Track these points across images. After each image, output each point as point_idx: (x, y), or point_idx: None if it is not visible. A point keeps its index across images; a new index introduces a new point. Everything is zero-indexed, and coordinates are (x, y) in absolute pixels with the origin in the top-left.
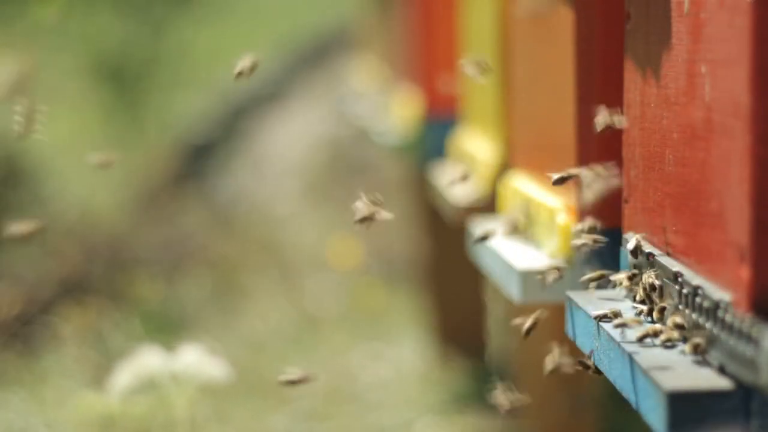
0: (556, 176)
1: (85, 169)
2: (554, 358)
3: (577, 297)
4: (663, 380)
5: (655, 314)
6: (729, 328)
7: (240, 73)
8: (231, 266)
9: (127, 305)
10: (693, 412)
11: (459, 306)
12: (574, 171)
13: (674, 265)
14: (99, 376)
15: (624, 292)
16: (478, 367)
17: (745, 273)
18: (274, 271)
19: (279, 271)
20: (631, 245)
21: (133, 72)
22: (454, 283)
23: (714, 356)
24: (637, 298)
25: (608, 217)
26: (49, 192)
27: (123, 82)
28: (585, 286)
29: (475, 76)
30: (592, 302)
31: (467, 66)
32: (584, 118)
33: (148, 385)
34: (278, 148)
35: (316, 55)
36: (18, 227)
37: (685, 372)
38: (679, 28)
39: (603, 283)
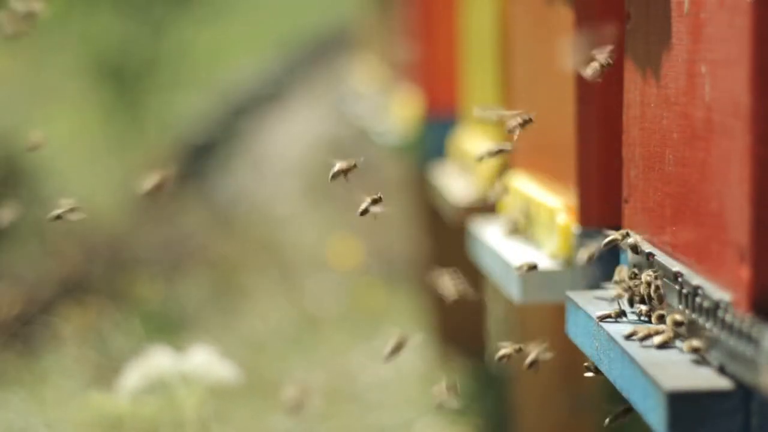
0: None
1: (85, 169)
2: (533, 353)
3: (577, 297)
4: (663, 380)
5: (654, 318)
6: (729, 328)
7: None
8: (231, 266)
9: (127, 305)
10: (693, 412)
11: (459, 306)
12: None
13: (674, 265)
14: (99, 376)
15: (624, 292)
16: (478, 367)
17: (745, 273)
18: (274, 271)
19: (279, 271)
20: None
21: (133, 72)
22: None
23: (714, 356)
24: (637, 298)
25: (608, 217)
26: (49, 192)
27: (123, 82)
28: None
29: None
30: (592, 302)
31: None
32: (584, 118)
33: (158, 386)
34: (278, 148)
35: (316, 55)
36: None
37: (685, 372)
38: (679, 28)
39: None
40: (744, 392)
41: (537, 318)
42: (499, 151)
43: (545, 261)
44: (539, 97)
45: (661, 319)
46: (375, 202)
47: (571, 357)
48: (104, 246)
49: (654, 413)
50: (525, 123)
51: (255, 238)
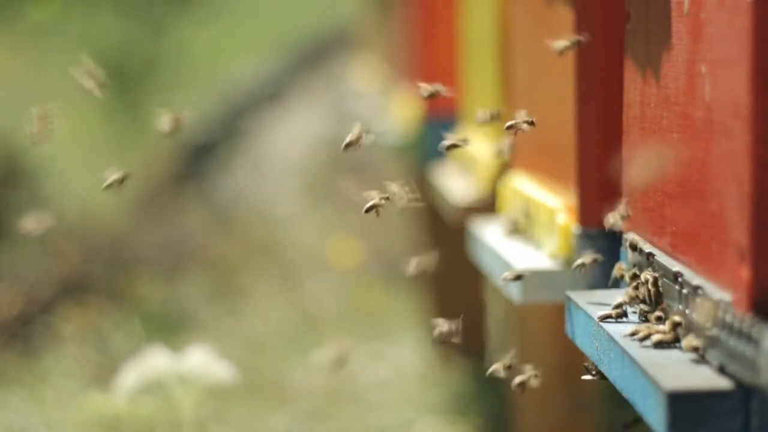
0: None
1: (85, 169)
2: (523, 376)
3: (577, 297)
4: (663, 380)
5: (653, 318)
6: (729, 328)
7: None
8: (231, 266)
9: (127, 305)
10: (693, 412)
11: (459, 306)
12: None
13: (674, 265)
14: (99, 376)
15: (623, 292)
16: (478, 367)
17: (745, 273)
18: (274, 271)
19: (279, 271)
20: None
21: (133, 72)
22: (454, 283)
23: (714, 356)
24: (638, 298)
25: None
26: (49, 192)
27: (123, 82)
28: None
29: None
30: (592, 302)
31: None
32: (584, 118)
33: (155, 386)
34: (278, 148)
35: (316, 55)
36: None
37: (685, 372)
38: (679, 28)
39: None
40: (744, 392)
41: (537, 318)
42: (497, 116)
43: (545, 261)
44: (539, 97)
45: (660, 319)
46: (383, 200)
47: (571, 357)
48: (104, 246)
49: (654, 413)
50: (528, 124)
51: (255, 238)
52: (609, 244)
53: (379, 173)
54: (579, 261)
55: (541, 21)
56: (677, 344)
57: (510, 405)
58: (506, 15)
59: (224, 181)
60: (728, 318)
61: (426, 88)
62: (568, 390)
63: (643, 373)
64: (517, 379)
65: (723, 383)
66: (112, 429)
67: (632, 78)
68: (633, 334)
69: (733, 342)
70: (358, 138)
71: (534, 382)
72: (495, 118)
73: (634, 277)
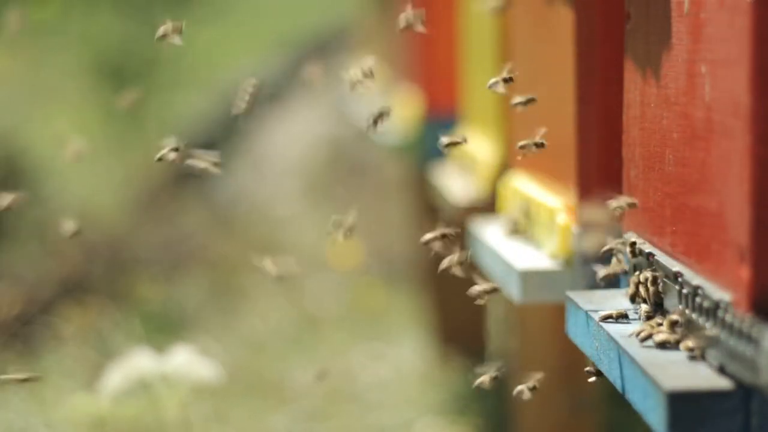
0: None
1: (85, 169)
2: (523, 385)
3: (577, 297)
4: (663, 380)
5: (654, 319)
6: (729, 328)
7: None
8: (231, 266)
9: (127, 305)
10: (693, 412)
11: (459, 306)
12: None
13: (674, 265)
14: (99, 376)
15: (624, 292)
16: (478, 367)
17: (745, 273)
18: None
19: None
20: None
21: (133, 72)
22: (454, 283)
23: (714, 356)
24: (638, 298)
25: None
26: (49, 192)
27: (123, 82)
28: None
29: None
30: (592, 302)
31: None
32: (584, 118)
33: (139, 387)
34: (278, 148)
35: (316, 56)
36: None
37: (685, 372)
38: (679, 28)
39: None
40: (744, 392)
41: (537, 318)
42: (529, 101)
43: (545, 261)
44: (539, 97)
45: (662, 320)
46: (444, 236)
47: (571, 357)
48: (104, 246)
49: (654, 413)
50: (538, 146)
51: (255, 239)
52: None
53: (379, 173)
54: (615, 204)
55: (541, 21)
56: (675, 344)
57: (510, 405)
58: (506, 15)
59: (224, 181)
60: (728, 318)
61: (446, 139)
62: (568, 390)
63: (643, 373)
64: (519, 388)
65: (723, 383)
66: (97, 430)
67: (632, 78)
68: (637, 334)
69: (733, 342)
70: (381, 116)
71: (528, 395)
72: (507, 81)
73: (634, 276)
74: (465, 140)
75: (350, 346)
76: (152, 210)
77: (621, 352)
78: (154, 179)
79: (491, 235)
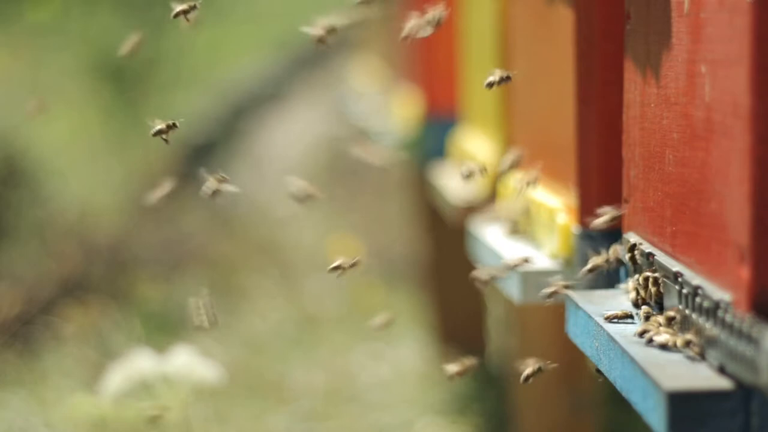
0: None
1: (85, 169)
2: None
3: (577, 297)
4: (663, 380)
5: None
6: (729, 328)
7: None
8: (231, 266)
9: (128, 305)
10: (693, 412)
11: (459, 306)
12: None
13: (674, 265)
14: (99, 376)
15: (624, 291)
16: (478, 367)
17: (745, 273)
18: (274, 271)
19: (279, 271)
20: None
21: (133, 72)
22: (454, 283)
23: (714, 356)
24: (639, 300)
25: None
26: (49, 192)
27: (123, 82)
28: (582, 278)
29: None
30: (592, 302)
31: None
32: (584, 118)
33: (140, 388)
34: (278, 148)
35: (316, 55)
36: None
37: (685, 372)
38: (679, 28)
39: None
40: (744, 392)
41: (537, 318)
42: (505, 79)
43: (545, 261)
44: (539, 97)
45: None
46: (525, 261)
47: (571, 357)
48: (104, 246)
49: (654, 413)
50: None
51: (255, 239)
52: (609, 244)
53: (379, 173)
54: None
55: (541, 21)
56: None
57: (510, 405)
58: (506, 15)
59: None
60: (728, 318)
61: (465, 169)
62: (568, 390)
63: (643, 373)
64: (525, 372)
65: (723, 383)
66: (98, 430)
67: (632, 78)
68: (640, 334)
69: (733, 342)
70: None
71: (545, 367)
72: (505, 80)
73: (633, 281)
74: (485, 169)
75: (350, 346)
76: (152, 210)
77: (621, 352)
78: (154, 179)
79: (491, 235)
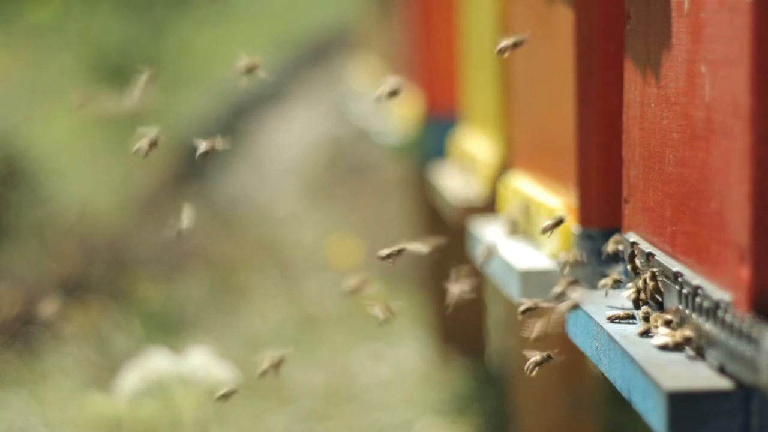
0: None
1: (85, 169)
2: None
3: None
4: (663, 380)
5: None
6: (729, 328)
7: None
8: (231, 266)
9: (128, 305)
10: (693, 412)
11: (459, 306)
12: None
13: (674, 265)
14: (99, 376)
15: (623, 291)
16: (478, 367)
17: (745, 273)
18: (274, 271)
19: (279, 271)
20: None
21: (133, 72)
22: None
23: (714, 356)
24: (640, 301)
25: (608, 217)
26: (49, 192)
27: (123, 82)
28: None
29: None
30: (592, 302)
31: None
32: (584, 118)
33: (155, 388)
34: (278, 148)
35: (316, 55)
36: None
37: (685, 372)
38: (679, 28)
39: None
40: (744, 392)
41: (537, 318)
42: (519, 43)
43: (545, 261)
44: (539, 97)
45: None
46: (573, 283)
47: (571, 357)
48: (104, 246)
49: (654, 413)
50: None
51: (255, 238)
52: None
53: (379, 173)
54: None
55: (541, 21)
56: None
57: (510, 405)
58: (506, 15)
59: (224, 181)
60: (728, 318)
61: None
62: (568, 390)
63: (643, 373)
64: (533, 359)
65: (723, 383)
66: (113, 430)
67: (632, 78)
68: (641, 334)
69: (733, 342)
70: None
71: (556, 357)
72: (518, 45)
73: (635, 275)
74: (562, 220)
75: (350, 346)
76: (152, 210)
77: (621, 352)
78: (154, 179)
79: (491, 235)
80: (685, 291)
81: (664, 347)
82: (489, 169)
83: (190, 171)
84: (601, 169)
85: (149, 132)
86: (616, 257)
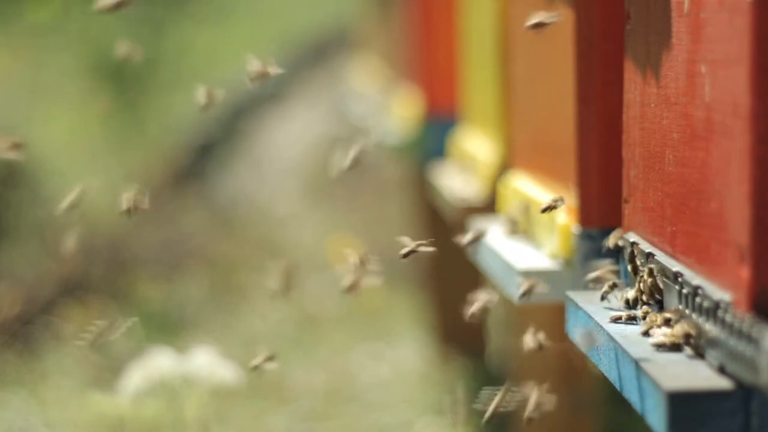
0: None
1: (85, 169)
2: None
3: (577, 297)
4: (663, 380)
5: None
6: (729, 328)
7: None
8: (231, 266)
9: (128, 305)
10: (693, 412)
11: (459, 306)
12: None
13: (674, 265)
14: (99, 376)
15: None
16: (478, 367)
17: (745, 273)
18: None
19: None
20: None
21: (133, 72)
22: (454, 283)
23: (714, 356)
24: (640, 301)
25: (608, 217)
26: (49, 192)
27: (123, 82)
28: (587, 286)
29: None
30: (592, 302)
31: None
32: (584, 118)
33: (159, 388)
34: (278, 148)
35: (316, 55)
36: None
37: (685, 372)
38: (679, 28)
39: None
40: (744, 392)
41: (537, 318)
42: (538, 25)
43: (545, 261)
44: (539, 97)
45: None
46: (613, 287)
47: (571, 357)
48: (104, 246)
49: (654, 413)
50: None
51: (255, 238)
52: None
53: (379, 173)
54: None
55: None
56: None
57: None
58: (506, 15)
59: (224, 181)
60: (728, 318)
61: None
62: (568, 390)
63: (643, 373)
64: (528, 410)
65: (723, 383)
66: (116, 430)
67: (632, 78)
68: (643, 333)
69: (733, 342)
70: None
71: (540, 411)
72: (547, 24)
73: (635, 273)
74: (562, 200)
75: (350, 346)
76: (152, 210)
77: (621, 352)
78: (154, 179)
79: (491, 235)
80: (685, 291)
81: (661, 345)
82: (489, 169)
83: (190, 171)
84: (601, 169)
85: (130, 193)
86: (616, 252)
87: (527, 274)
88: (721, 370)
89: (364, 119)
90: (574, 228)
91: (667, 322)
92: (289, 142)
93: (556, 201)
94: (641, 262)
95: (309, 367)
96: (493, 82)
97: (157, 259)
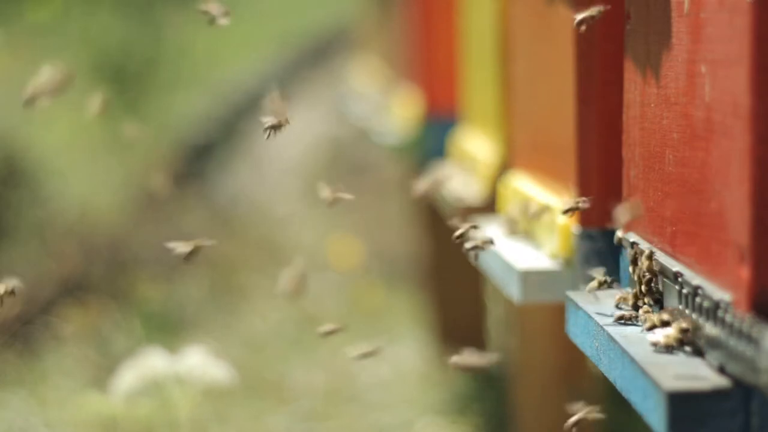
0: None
1: (85, 169)
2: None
3: (577, 297)
4: (663, 380)
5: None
6: (729, 328)
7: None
8: (231, 266)
9: (128, 305)
10: (693, 412)
11: (459, 306)
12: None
13: (674, 265)
14: (99, 376)
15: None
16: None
17: (745, 273)
18: (274, 271)
19: (279, 271)
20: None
21: (133, 72)
22: (454, 283)
23: (714, 356)
24: (640, 301)
25: (608, 217)
26: (49, 192)
27: (123, 82)
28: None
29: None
30: (592, 302)
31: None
32: (584, 118)
33: (152, 387)
34: (278, 148)
35: (316, 55)
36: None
37: (685, 372)
38: (679, 28)
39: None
40: (744, 392)
41: (537, 318)
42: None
43: (545, 261)
44: (539, 97)
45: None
46: (602, 284)
47: (571, 357)
48: (104, 246)
49: (654, 413)
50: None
51: (255, 238)
52: (609, 244)
53: (379, 173)
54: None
55: (541, 21)
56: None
57: (510, 405)
58: (506, 15)
59: (224, 181)
60: (728, 318)
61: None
62: (568, 390)
63: (643, 373)
64: (574, 418)
65: (723, 383)
66: (109, 430)
67: (632, 78)
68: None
69: (733, 342)
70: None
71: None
72: (593, 18)
73: (633, 269)
74: (585, 202)
75: (350, 346)
76: (152, 210)
77: (621, 352)
78: (154, 179)
79: (491, 235)
80: (685, 291)
81: (661, 345)
82: (489, 169)
83: (190, 171)
84: (601, 169)
85: (7, 282)
86: (616, 252)
87: (525, 273)
88: (721, 370)
89: (364, 119)
90: (574, 228)
91: (667, 323)
92: (289, 142)
93: (578, 202)
94: (641, 263)
95: (309, 367)
96: (493, 82)
97: (157, 259)
